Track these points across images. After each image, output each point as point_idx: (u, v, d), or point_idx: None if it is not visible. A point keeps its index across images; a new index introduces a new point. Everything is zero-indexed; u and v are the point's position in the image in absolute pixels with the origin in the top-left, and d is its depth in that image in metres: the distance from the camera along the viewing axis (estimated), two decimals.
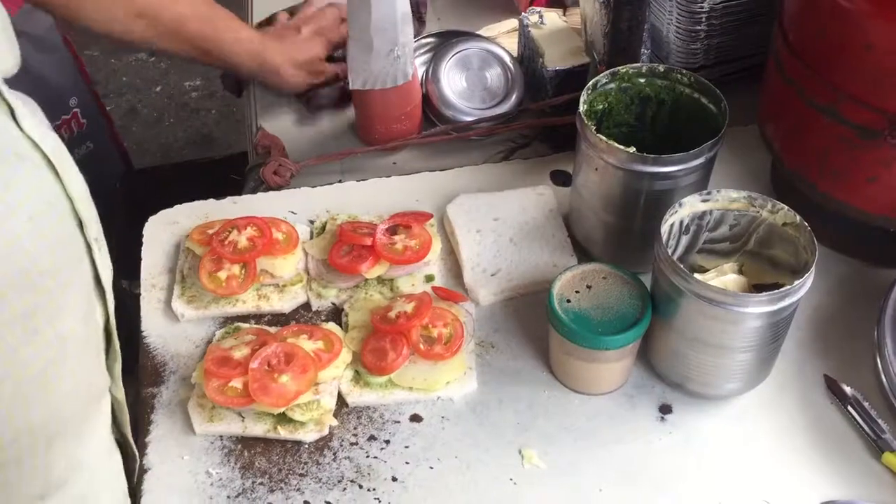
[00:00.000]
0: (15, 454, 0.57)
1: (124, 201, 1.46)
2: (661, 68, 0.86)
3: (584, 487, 0.74)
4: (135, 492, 0.74)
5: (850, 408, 0.78)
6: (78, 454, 0.64)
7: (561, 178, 0.99)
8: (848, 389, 0.79)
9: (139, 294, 0.89)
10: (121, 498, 0.72)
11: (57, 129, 1.35)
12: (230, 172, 1.21)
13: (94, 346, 0.64)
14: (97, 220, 0.65)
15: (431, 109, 1.05)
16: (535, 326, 0.84)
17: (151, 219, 0.94)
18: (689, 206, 0.77)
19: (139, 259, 0.91)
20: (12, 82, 0.57)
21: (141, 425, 0.78)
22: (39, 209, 0.55)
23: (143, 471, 0.75)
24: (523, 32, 1.08)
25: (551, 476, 0.75)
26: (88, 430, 0.65)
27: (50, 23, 1.30)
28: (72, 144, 1.39)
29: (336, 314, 0.86)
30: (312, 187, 0.98)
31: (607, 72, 0.86)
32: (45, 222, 0.56)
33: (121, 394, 0.69)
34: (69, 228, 0.59)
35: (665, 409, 0.79)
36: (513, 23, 1.14)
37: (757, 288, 0.77)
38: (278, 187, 0.98)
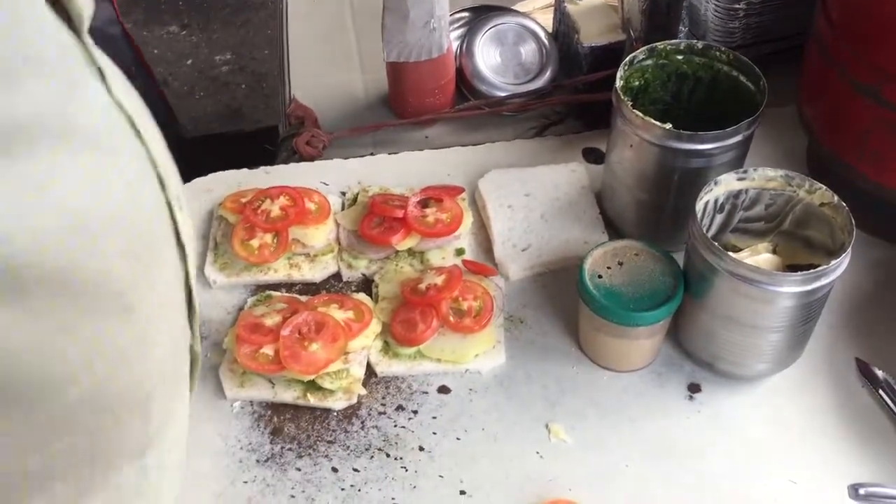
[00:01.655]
0: (111, 419, 0.56)
1: None
2: (700, 45, 0.85)
3: (611, 463, 0.75)
4: None
5: (881, 391, 0.78)
6: (172, 405, 0.65)
7: (593, 156, 0.98)
8: (880, 373, 0.78)
9: None
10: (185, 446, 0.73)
11: None
12: (260, 145, 1.21)
13: (181, 304, 0.65)
14: (176, 174, 0.66)
15: (465, 84, 1.05)
16: (564, 302, 0.84)
17: (185, 186, 0.95)
18: (724, 185, 0.76)
19: None
20: None
21: None
22: (134, 178, 0.54)
23: None
24: (559, 8, 1.07)
25: (578, 451, 0.75)
26: (181, 384, 0.66)
27: (110, 14, 1.31)
28: None
29: (366, 285, 0.87)
30: (345, 159, 0.98)
31: (645, 48, 0.85)
32: (139, 191, 0.55)
33: (199, 346, 0.70)
34: (157, 193, 0.60)
35: (694, 388, 0.79)
36: None
37: (791, 269, 0.76)
38: (311, 158, 0.98)
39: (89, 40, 0.52)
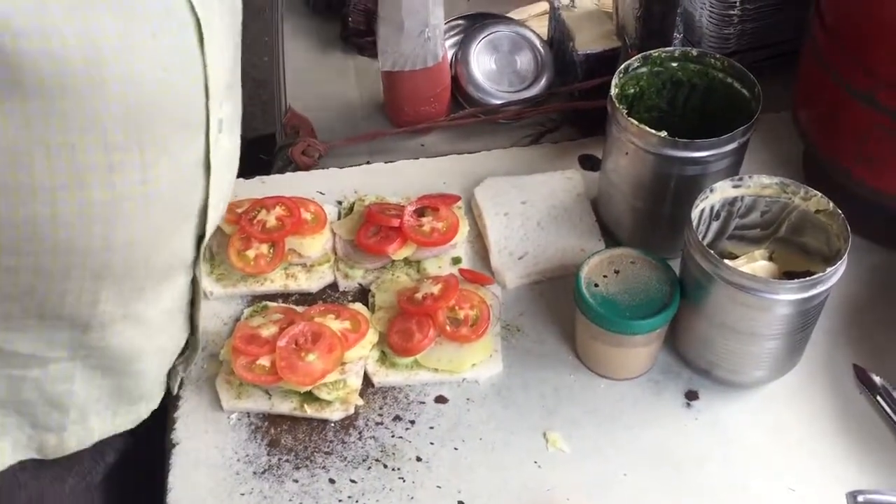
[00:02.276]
0: (63, 266, 0.61)
1: None
2: (695, 52, 0.85)
3: (609, 472, 0.74)
4: (162, 466, 0.75)
5: (879, 398, 0.77)
6: (134, 308, 0.67)
7: (589, 163, 0.98)
8: (877, 379, 0.78)
9: None
10: (156, 382, 0.75)
11: None
12: (257, 153, 1.21)
13: (183, 216, 0.67)
14: (236, 106, 0.70)
15: (460, 92, 1.05)
16: (561, 310, 0.84)
17: None
18: (720, 192, 0.76)
19: None
20: None
21: (170, 400, 0.79)
22: (173, 66, 0.58)
23: (171, 445, 0.76)
24: (554, 15, 1.07)
25: (575, 460, 0.75)
26: (155, 293, 0.69)
27: None
28: None
29: (363, 295, 0.87)
30: (340, 168, 0.98)
31: (639, 55, 0.85)
32: (175, 80, 0.59)
33: (201, 273, 0.73)
34: (194, 96, 0.62)
35: (691, 396, 0.79)
36: (543, 5, 1.14)
37: (788, 275, 0.76)
38: (307, 167, 0.98)
39: None
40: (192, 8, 0.59)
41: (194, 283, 0.74)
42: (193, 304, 0.75)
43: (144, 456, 0.81)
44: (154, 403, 0.77)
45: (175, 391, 0.79)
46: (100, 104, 0.55)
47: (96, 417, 0.72)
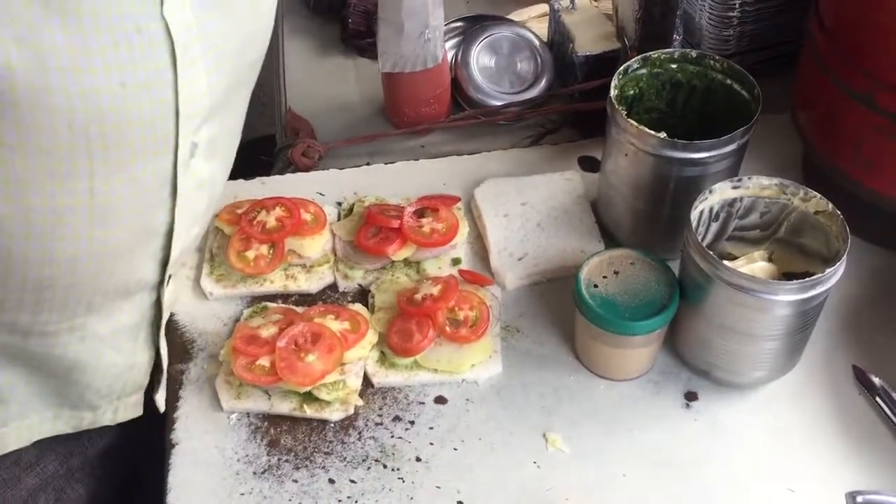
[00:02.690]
0: (1, 273, 0.60)
1: None
2: (694, 54, 0.85)
3: (608, 473, 0.74)
4: (162, 465, 0.75)
5: (878, 398, 0.78)
6: (81, 322, 0.66)
7: (589, 164, 0.98)
8: (876, 380, 0.78)
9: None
10: (103, 397, 0.74)
11: None
12: (256, 155, 1.21)
13: (141, 236, 0.65)
14: (225, 130, 0.66)
15: (460, 93, 1.05)
16: (561, 311, 0.84)
17: None
18: (719, 193, 0.77)
19: None
20: None
21: (169, 400, 0.79)
22: (135, 83, 0.56)
23: (170, 445, 0.76)
24: (554, 17, 1.07)
25: (575, 460, 0.75)
26: (107, 310, 0.67)
27: None
28: None
29: (362, 295, 0.87)
30: (340, 169, 0.98)
31: (639, 57, 0.85)
32: (135, 97, 0.56)
33: (165, 296, 0.72)
34: (158, 117, 0.59)
35: (691, 397, 0.79)
36: (543, 7, 1.14)
37: (787, 276, 0.77)
38: (307, 168, 0.99)
39: None
40: (168, 30, 0.57)
41: (159, 304, 0.73)
42: (157, 325, 0.74)
43: (128, 459, 0.81)
44: (102, 418, 0.75)
45: (162, 408, 0.79)
46: (41, 112, 0.54)
47: (36, 416, 0.71)
